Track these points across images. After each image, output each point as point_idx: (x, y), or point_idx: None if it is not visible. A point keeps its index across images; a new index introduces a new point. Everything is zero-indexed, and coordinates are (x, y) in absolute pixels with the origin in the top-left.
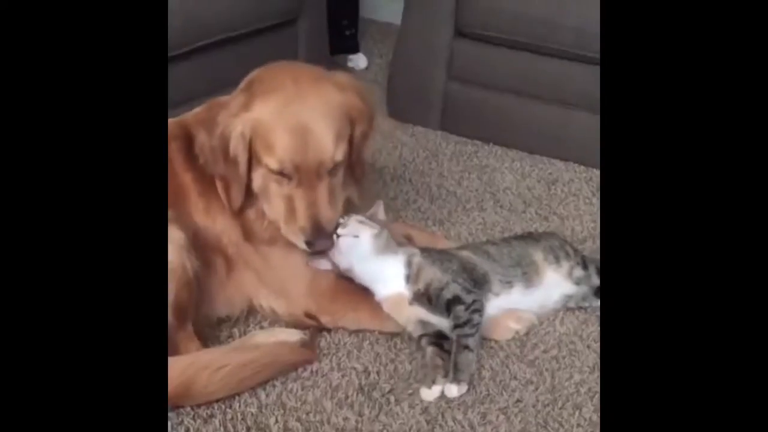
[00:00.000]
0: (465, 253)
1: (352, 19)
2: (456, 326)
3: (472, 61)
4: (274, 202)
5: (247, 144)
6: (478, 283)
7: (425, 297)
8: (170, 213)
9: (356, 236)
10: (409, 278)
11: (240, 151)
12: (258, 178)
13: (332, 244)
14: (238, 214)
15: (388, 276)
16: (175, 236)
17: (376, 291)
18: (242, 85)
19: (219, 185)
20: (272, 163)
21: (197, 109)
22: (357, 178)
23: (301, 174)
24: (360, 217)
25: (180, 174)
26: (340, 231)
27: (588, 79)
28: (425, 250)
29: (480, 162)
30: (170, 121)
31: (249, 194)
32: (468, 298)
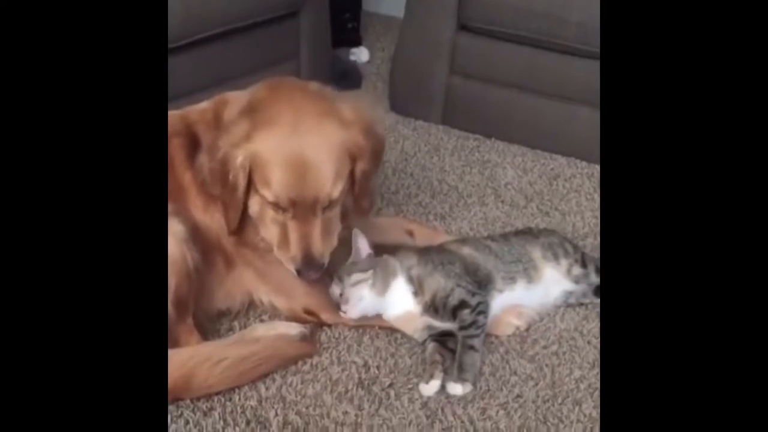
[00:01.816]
0: (467, 251)
1: (355, 12)
2: (461, 328)
3: (474, 55)
4: (270, 227)
5: (247, 174)
6: (482, 283)
7: (432, 307)
8: (171, 206)
9: (360, 298)
10: (416, 294)
11: (239, 179)
12: (255, 205)
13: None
14: (234, 234)
15: (396, 300)
16: (176, 229)
17: (386, 315)
18: (248, 98)
19: (219, 205)
20: (269, 195)
21: (203, 105)
22: (363, 211)
23: (296, 208)
24: (352, 279)
25: (180, 171)
26: (343, 307)
27: (591, 75)
28: (424, 254)
29: (482, 157)
30: (173, 114)
31: (245, 215)
32: (473, 301)
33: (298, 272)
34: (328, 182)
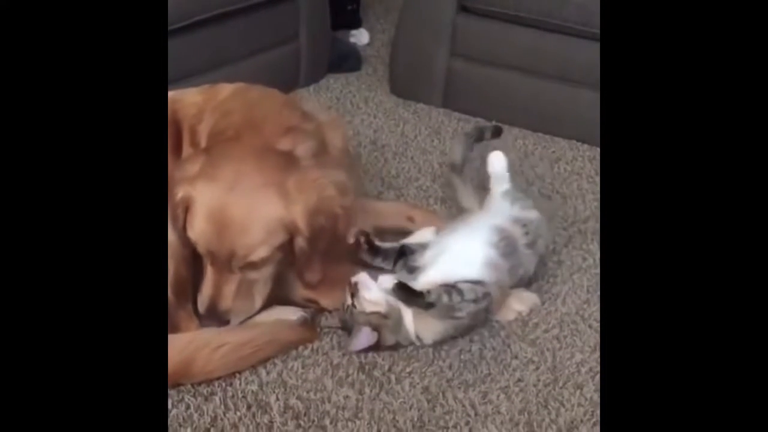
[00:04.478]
0: None
1: None
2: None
3: (475, 37)
4: None
5: (184, 210)
6: None
7: None
8: None
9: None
10: None
11: (179, 212)
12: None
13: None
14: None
15: None
16: None
17: None
18: (224, 119)
19: None
20: (192, 237)
21: (193, 95)
22: (306, 283)
23: (212, 259)
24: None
25: None
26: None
27: (593, 56)
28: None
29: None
30: None
31: None
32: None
33: (200, 314)
34: (246, 246)
